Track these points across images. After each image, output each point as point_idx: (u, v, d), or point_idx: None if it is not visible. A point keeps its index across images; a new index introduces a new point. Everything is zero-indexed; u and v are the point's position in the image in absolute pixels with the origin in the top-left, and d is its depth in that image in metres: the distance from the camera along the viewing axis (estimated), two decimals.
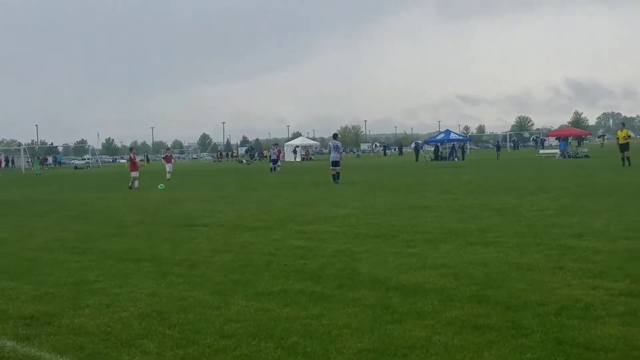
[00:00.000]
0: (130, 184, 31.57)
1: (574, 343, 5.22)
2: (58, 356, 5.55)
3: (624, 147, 34.87)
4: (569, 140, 63.81)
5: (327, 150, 78.37)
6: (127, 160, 35.41)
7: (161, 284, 8.29)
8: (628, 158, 33.92)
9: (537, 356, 4.95)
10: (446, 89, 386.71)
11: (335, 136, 31.90)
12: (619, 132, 37.16)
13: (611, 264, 8.22)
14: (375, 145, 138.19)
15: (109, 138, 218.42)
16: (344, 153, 32.92)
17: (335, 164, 29.01)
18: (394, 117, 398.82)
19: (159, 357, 5.39)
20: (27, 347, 5.85)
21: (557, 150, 60.10)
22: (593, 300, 6.52)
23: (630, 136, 37.31)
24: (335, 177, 28.61)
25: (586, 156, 53.08)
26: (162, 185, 31.48)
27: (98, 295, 7.81)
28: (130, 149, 37.94)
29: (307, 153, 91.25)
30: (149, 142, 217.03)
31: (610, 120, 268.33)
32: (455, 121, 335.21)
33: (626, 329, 5.52)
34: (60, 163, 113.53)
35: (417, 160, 63.50)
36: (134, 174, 31.89)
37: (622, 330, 5.49)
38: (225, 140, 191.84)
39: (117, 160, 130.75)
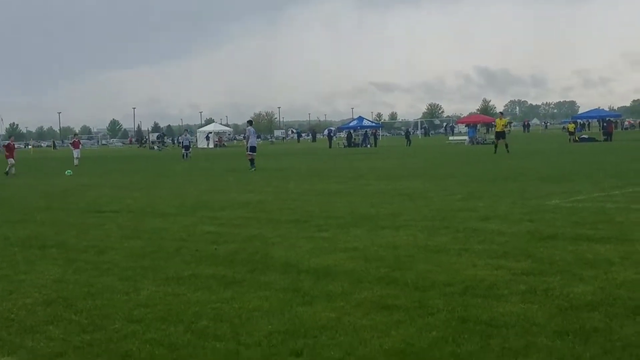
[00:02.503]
0: (7, 170, 30.83)
1: (478, 320, 5.39)
2: None
3: (500, 135, 36.42)
4: (478, 127, 65.71)
5: (241, 137, 77.73)
6: (3, 147, 34.83)
7: (68, 270, 8.06)
8: (506, 145, 35.29)
9: (442, 334, 5.09)
10: (361, 76, 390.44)
11: (250, 122, 31.92)
12: (497, 120, 38.72)
13: (514, 245, 8.52)
14: (292, 132, 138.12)
15: (13, 123, 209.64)
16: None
17: (254, 149, 29.00)
18: (309, 104, 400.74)
19: (65, 343, 5.25)
20: None
21: (466, 137, 61.76)
22: (496, 279, 6.75)
23: (507, 125, 39.02)
24: (253, 162, 28.52)
25: (494, 143, 54.71)
26: (69, 171, 30.60)
27: (1, 281, 7.54)
28: (10, 136, 37.13)
29: (220, 139, 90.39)
30: (56, 128, 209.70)
31: (517, 107, 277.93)
32: (369, 108, 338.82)
33: (526, 306, 5.75)
34: None
35: (330, 146, 63.90)
36: (10, 160, 31.61)
37: (522, 307, 5.71)
38: (136, 126, 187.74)
39: (28, 147, 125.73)
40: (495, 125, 38.71)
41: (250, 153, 28.82)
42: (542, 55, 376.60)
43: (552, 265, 7.27)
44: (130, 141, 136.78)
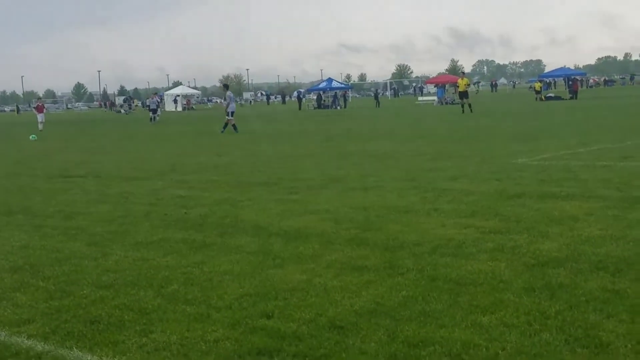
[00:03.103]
0: None
1: (447, 279, 5.45)
2: None
3: (463, 95, 36.73)
4: (446, 88, 65.78)
5: (221, 101, 76.65)
6: None
7: (34, 236, 7.96)
8: (470, 105, 35.61)
9: (412, 293, 5.14)
10: (330, 37, 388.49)
11: (226, 87, 31.84)
12: (459, 81, 39.00)
13: (482, 204, 8.60)
14: (261, 94, 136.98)
15: None
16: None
17: (233, 114, 28.76)
18: (278, 65, 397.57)
19: (32, 310, 5.19)
20: None
21: (435, 98, 61.88)
22: (465, 238, 6.82)
23: (469, 85, 39.41)
24: (234, 127, 28.17)
25: (460, 103, 54.89)
26: (33, 136, 30.11)
27: None
28: None
29: (188, 102, 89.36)
30: (19, 92, 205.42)
31: (485, 67, 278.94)
32: (338, 69, 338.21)
33: (494, 264, 5.82)
34: None
35: (300, 108, 63.58)
36: None
37: (490, 265, 5.79)
38: (102, 89, 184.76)
39: None
40: (458, 86, 38.95)
41: (231, 118, 28.50)
42: (509, 13, 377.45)
43: (519, 223, 7.36)
44: (100, 104, 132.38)
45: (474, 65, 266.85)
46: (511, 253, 6.15)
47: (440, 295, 5.04)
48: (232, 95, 30.10)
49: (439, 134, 21.49)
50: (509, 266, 5.72)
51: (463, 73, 43.91)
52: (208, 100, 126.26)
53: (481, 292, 5.08)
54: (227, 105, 29.11)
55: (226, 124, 28.25)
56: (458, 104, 52.67)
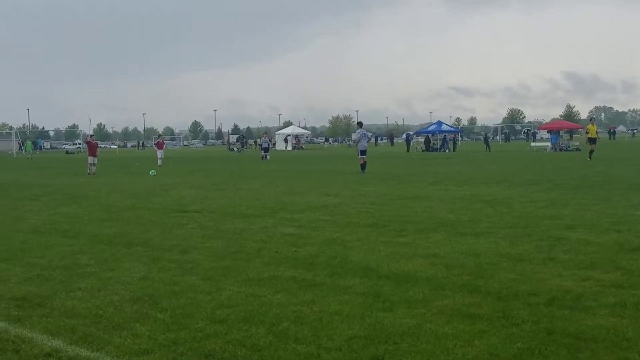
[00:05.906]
0: (88, 170, 31.36)
1: (565, 333, 5.24)
2: (50, 338, 5.53)
3: (592, 141, 35.86)
4: (561, 134, 63.94)
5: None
6: (85, 145, 35.68)
7: (153, 268, 8.28)
8: (591, 152, 34.80)
9: (528, 345, 4.97)
10: (440, 79, 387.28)
11: (360, 124, 30.69)
12: (589, 127, 38.42)
13: (602, 256, 8.25)
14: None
15: (101, 123, 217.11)
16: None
17: (364, 152, 28.41)
18: (387, 107, 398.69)
19: (150, 340, 5.38)
20: (19, 328, 5.84)
21: (549, 143, 60.21)
22: (584, 291, 6.55)
23: (597, 132, 38.65)
24: (363, 166, 27.89)
25: (577, 149, 53.13)
26: (153, 171, 31.42)
27: (90, 278, 7.80)
28: (91, 135, 37.58)
29: (298, 142, 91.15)
30: (141, 128, 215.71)
31: (603, 114, 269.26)
32: (448, 112, 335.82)
33: (616, 319, 5.55)
34: (40, 147, 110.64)
35: (408, 150, 63.50)
36: (92, 159, 31.56)
37: (612, 321, 5.52)
38: (217, 127, 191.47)
39: (109, 147, 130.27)
40: (589, 132, 38.13)
41: (362, 157, 28.15)
42: (633, 59, 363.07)
43: None
44: (224, 142, 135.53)
45: (590, 111, 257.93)
46: (635, 309, 5.84)
47: (559, 350, 4.84)
48: (361, 132, 28.99)
49: (554, 181, 20.82)
50: (633, 323, 5.43)
51: (593, 119, 43.42)
52: (335, 140, 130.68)
53: (603, 349, 4.85)
54: (356, 144, 28.89)
55: (363, 164, 27.91)
56: (572, 150, 51.21)
